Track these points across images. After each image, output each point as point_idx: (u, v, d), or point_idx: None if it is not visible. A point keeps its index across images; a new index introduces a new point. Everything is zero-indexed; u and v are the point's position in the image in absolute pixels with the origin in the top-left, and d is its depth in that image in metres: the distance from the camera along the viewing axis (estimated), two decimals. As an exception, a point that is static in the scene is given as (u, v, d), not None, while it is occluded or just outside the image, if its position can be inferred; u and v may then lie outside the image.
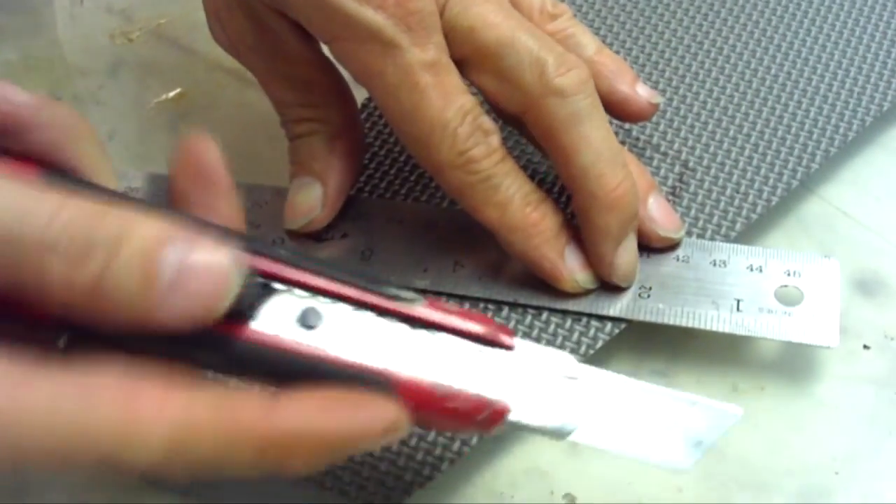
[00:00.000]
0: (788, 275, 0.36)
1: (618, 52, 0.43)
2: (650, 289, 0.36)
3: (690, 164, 0.40)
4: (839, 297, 0.35)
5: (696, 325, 0.35)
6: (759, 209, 0.38)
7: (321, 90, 0.37)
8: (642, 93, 0.38)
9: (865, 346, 0.37)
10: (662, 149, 0.40)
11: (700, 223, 0.38)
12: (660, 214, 0.36)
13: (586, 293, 0.36)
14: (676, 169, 0.39)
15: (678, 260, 0.36)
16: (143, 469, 0.23)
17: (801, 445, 0.35)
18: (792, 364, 0.36)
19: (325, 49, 0.36)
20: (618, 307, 0.35)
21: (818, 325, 0.34)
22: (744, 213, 0.38)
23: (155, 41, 0.49)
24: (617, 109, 0.38)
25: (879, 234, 0.40)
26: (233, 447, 0.24)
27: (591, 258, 0.35)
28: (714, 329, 0.35)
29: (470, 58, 0.35)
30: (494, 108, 0.37)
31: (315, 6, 0.33)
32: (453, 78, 0.34)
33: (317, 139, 0.37)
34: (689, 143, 0.40)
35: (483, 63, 0.35)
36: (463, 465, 0.34)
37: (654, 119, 0.41)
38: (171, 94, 0.47)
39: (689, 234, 0.37)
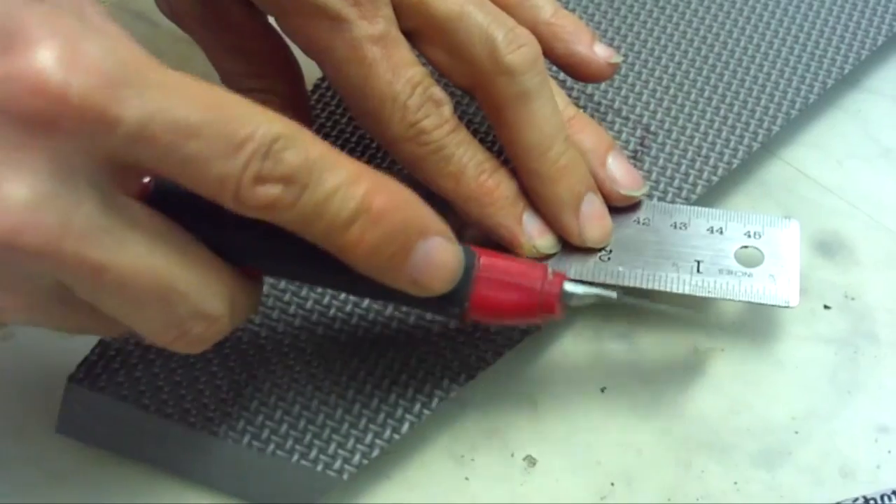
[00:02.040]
0: (749, 236, 0.36)
1: (579, 15, 0.43)
2: (610, 251, 0.36)
3: (652, 128, 0.40)
4: (799, 258, 0.35)
5: (657, 287, 0.35)
6: (720, 172, 0.38)
7: (268, 61, 0.37)
8: (600, 53, 0.37)
9: (826, 307, 0.37)
10: (624, 113, 0.40)
11: (661, 186, 0.38)
12: (620, 173, 0.36)
13: (546, 258, 0.36)
14: (638, 133, 0.39)
15: (639, 223, 0.36)
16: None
17: (760, 405, 0.35)
18: (752, 325, 0.36)
19: (272, 19, 0.36)
20: (578, 270, 0.35)
21: (778, 285, 0.34)
22: (705, 175, 0.38)
23: (119, 14, 0.49)
24: (575, 71, 0.38)
25: (841, 195, 0.40)
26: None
27: (556, 229, 0.35)
28: (674, 291, 0.35)
29: (420, 30, 0.35)
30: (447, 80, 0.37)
31: None
32: (402, 50, 0.34)
33: None
34: (651, 106, 0.40)
35: (433, 36, 0.34)
36: (422, 428, 0.34)
37: (616, 83, 0.41)
38: (134, 65, 0.46)
39: (650, 197, 0.37)
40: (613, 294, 0.32)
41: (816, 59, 0.41)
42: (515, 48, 0.34)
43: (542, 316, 0.32)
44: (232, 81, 0.37)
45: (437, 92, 0.34)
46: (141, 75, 0.26)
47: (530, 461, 0.34)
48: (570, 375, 0.35)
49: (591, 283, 0.33)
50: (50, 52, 0.24)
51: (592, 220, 0.35)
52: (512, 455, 0.34)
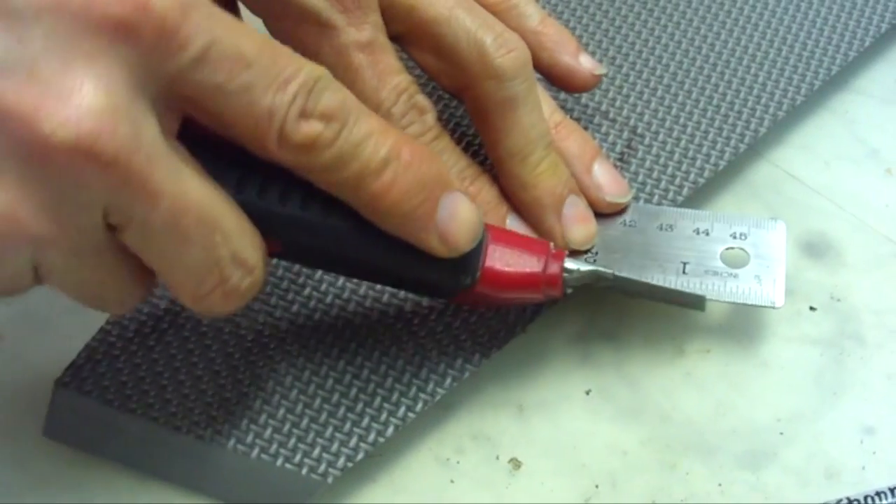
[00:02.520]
0: (734, 237, 0.36)
1: (567, 20, 0.43)
2: (596, 253, 0.36)
3: (639, 130, 0.40)
4: (785, 259, 0.35)
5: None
6: (706, 174, 0.38)
7: None
8: (585, 64, 0.38)
9: (811, 308, 0.37)
10: (611, 115, 0.40)
11: (648, 188, 0.38)
12: (606, 180, 0.36)
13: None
14: (625, 135, 0.39)
15: (625, 225, 0.36)
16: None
17: (746, 407, 0.35)
18: (738, 326, 0.36)
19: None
20: (564, 272, 0.35)
21: (764, 286, 0.35)
22: (692, 177, 0.38)
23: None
24: (559, 81, 0.38)
25: (828, 197, 0.40)
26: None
27: (540, 232, 0.35)
28: (660, 292, 0.35)
29: (409, 34, 0.35)
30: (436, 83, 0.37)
31: None
32: (389, 57, 0.34)
33: None
34: (638, 109, 0.40)
35: (422, 40, 0.35)
36: (407, 430, 0.34)
37: (603, 85, 0.41)
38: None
39: (636, 199, 0.37)
40: (610, 272, 0.33)
41: (804, 60, 0.41)
42: (505, 52, 0.34)
43: (545, 290, 0.33)
44: None
45: (422, 100, 0.34)
46: (208, 4, 0.26)
47: (515, 464, 0.34)
48: (555, 377, 0.35)
49: (587, 261, 0.34)
50: None
51: (575, 223, 0.35)
52: (497, 457, 0.34)
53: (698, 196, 0.38)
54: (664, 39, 0.42)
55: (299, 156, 0.28)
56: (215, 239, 0.28)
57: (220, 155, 0.29)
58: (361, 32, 0.33)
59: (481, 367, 0.34)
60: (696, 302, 0.35)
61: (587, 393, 0.35)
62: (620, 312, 0.37)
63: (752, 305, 0.35)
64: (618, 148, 0.39)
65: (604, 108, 0.40)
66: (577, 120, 0.39)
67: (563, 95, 0.40)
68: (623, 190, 0.37)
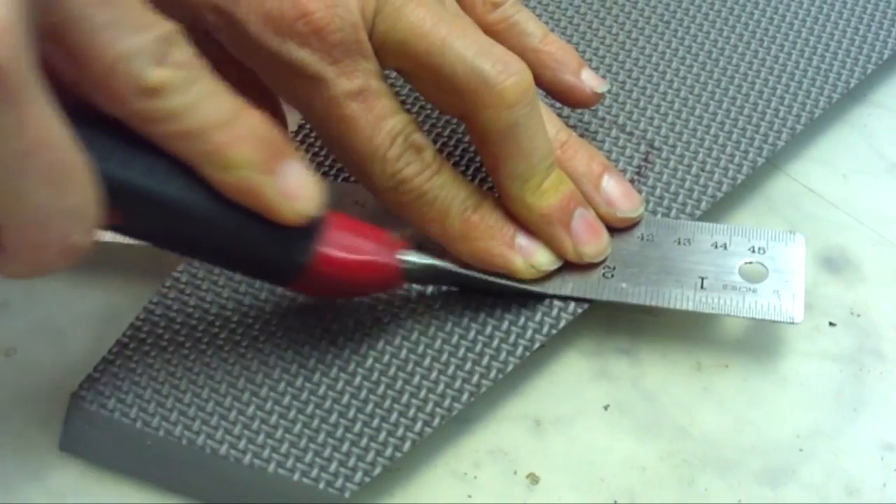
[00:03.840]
0: (753, 251, 0.36)
1: (584, 33, 0.43)
2: (613, 268, 0.36)
3: (656, 143, 0.39)
4: (804, 273, 0.35)
5: (660, 304, 0.35)
6: (724, 187, 0.38)
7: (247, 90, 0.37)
8: (587, 80, 0.37)
9: (831, 324, 0.36)
10: (628, 128, 0.40)
11: (665, 202, 0.38)
12: (616, 196, 0.36)
13: (550, 272, 0.35)
14: (642, 148, 0.39)
15: (642, 239, 0.36)
16: None
17: (765, 423, 0.34)
18: (757, 341, 0.36)
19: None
20: (581, 287, 0.35)
21: (783, 301, 0.34)
22: (709, 191, 0.38)
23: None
24: (561, 99, 0.38)
25: (846, 211, 0.39)
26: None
27: (554, 249, 0.35)
28: (678, 307, 0.35)
29: (406, 69, 0.34)
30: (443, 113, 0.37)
31: (240, 42, 0.33)
32: (382, 101, 0.33)
33: None
34: (655, 121, 0.40)
35: (419, 73, 0.34)
36: (425, 445, 0.33)
37: (620, 98, 0.40)
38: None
39: (654, 213, 0.37)
40: (450, 267, 0.34)
41: (822, 73, 0.41)
42: (505, 79, 0.33)
43: (384, 280, 0.33)
44: None
45: (418, 138, 0.34)
46: None
47: (533, 479, 0.34)
48: (572, 392, 0.35)
49: (430, 255, 0.34)
50: None
51: (585, 234, 0.35)
52: (515, 473, 0.34)
53: (716, 210, 0.38)
54: (681, 52, 0.42)
55: (146, 100, 0.28)
56: (68, 186, 0.27)
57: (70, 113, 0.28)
58: (352, 81, 0.33)
59: (498, 380, 0.34)
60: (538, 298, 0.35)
61: (605, 408, 0.35)
62: (637, 327, 0.36)
63: (770, 321, 0.34)
64: (635, 161, 0.39)
65: (621, 121, 0.40)
66: (594, 133, 0.39)
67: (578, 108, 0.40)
68: (634, 204, 0.36)
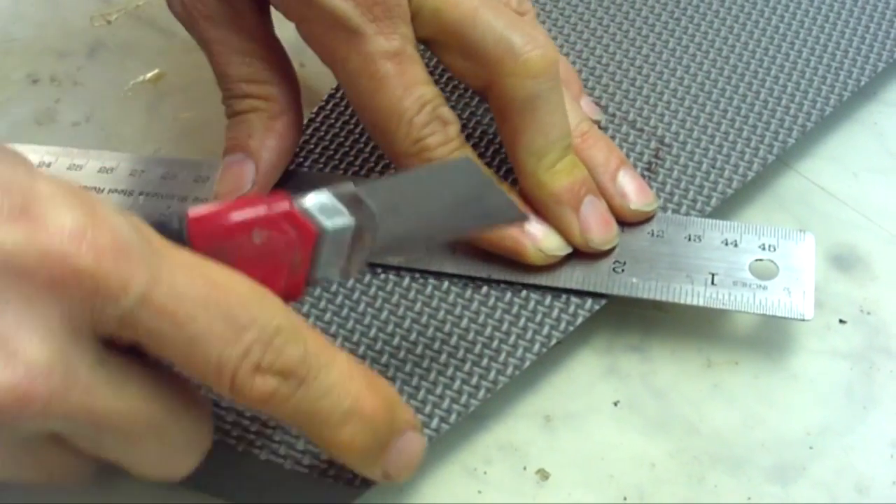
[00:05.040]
0: (763, 249, 0.36)
1: (595, 29, 0.43)
2: (624, 263, 0.36)
3: (666, 140, 0.39)
4: (814, 271, 0.35)
5: (671, 300, 0.35)
6: (734, 184, 0.38)
7: (269, 68, 0.37)
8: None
9: (841, 321, 0.37)
10: (638, 125, 0.40)
11: (675, 198, 0.38)
12: (630, 189, 0.36)
13: (560, 264, 0.36)
14: (652, 145, 0.39)
15: (652, 235, 0.36)
16: None
17: (775, 420, 0.34)
18: (766, 338, 0.36)
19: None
20: (592, 282, 0.35)
21: (793, 298, 0.34)
22: (719, 188, 0.38)
23: (133, 23, 0.49)
24: None
25: (856, 208, 0.39)
26: None
27: (561, 232, 0.35)
28: (688, 303, 0.35)
29: (436, 37, 0.35)
30: (468, 86, 0.37)
31: None
32: (416, 68, 0.34)
33: (256, 117, 0.37)
34: (666, 118, 0.40)
35: (448, 42, 0.35)
36: (437, 440, 0.33)
37: (631, 95, 0.41)
38: (149, 75, 0.46)
39: (664, 209, 0.37)
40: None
41: (832, 70, 0.41)
42: (531, 49, 0.34)
43: (283, 229, 0.29)
44: (231, 86, 0.37)
45: (446, 112, 0.34)
46: (150, 249, 0.25)
47: (543, 475, 0.34)
48: (583, 389, 0.35)
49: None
50: (64, 220, 0.24)
51: (594, 221, 0.35)
52: (525, 468, 0.34)
53: (726, 207, 0.38)
54: (692, 48, 0.42)
55: (256, 405, 0.27)
56: (163, 438, 0.27)
57: None
58: (390, 42, 0.34)
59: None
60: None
61: (615, 404, 0.35)
62: (648, 324, 0.36)
63: (781, 318, 0.34)
64: (645, 158, 0.39)
65: (631, 117, 0.40)
66: (604, 129, 0.39)
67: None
68: (648, 199, 0.36)
